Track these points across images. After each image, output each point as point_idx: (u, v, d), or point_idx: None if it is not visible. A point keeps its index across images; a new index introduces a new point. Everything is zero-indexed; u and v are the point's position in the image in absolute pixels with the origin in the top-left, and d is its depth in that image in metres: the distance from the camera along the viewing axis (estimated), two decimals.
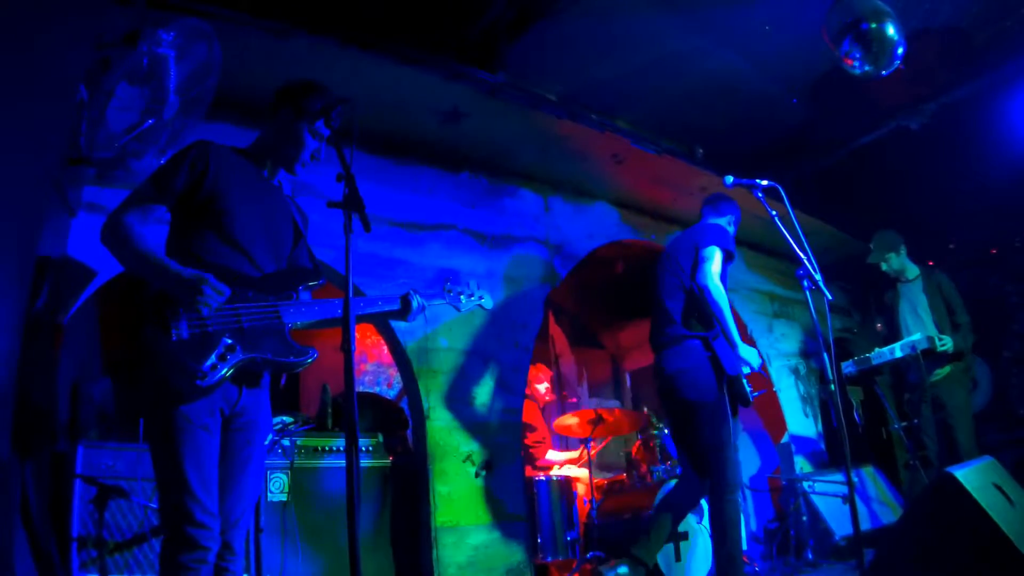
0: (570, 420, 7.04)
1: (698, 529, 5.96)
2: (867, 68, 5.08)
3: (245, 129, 5.06)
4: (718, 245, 4.77)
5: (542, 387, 7.78)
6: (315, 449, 5.18)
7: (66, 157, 4.04)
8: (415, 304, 3.29)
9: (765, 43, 5.51)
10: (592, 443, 6.84)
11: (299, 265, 3.29)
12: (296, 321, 2.99)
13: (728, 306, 4.64)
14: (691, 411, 4.74)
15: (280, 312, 2.95)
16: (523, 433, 6.82)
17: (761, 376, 4.90)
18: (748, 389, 4.67)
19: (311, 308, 3.03)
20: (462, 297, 3.64)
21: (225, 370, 2.72)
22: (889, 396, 7.79)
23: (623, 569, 4.67)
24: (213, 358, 2.70)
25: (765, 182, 4.45)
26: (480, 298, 3.72)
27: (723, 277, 4.79)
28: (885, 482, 7.79)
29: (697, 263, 4.77)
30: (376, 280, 5.74)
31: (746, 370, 4.72)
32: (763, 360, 4.85)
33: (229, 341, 2.77)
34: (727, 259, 4.85)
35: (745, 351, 4.67)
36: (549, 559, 6.15)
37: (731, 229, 5.21)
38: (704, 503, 6.23)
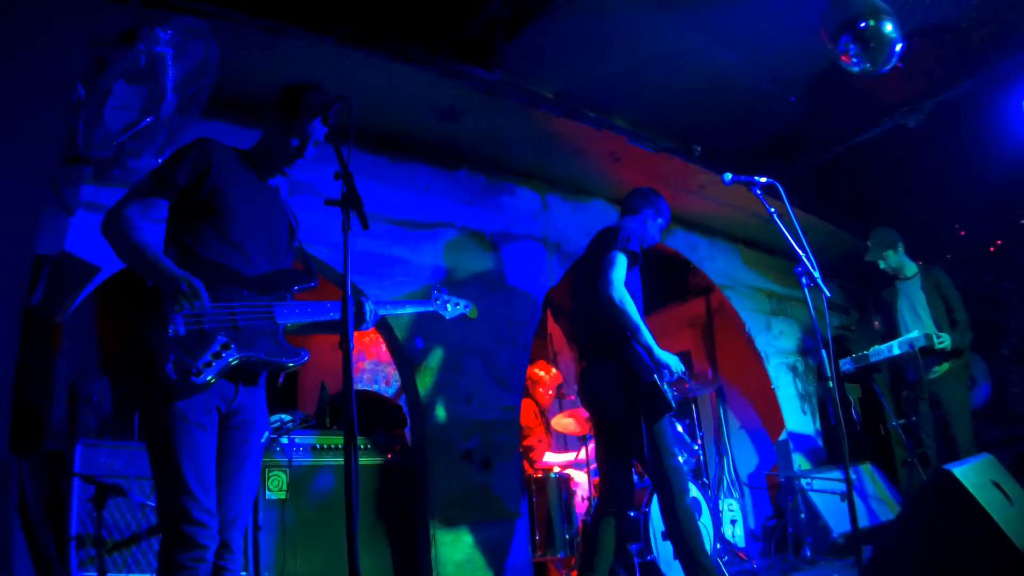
0: (568, 419, 7.04)
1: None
2: (865, 66, 5.07)
3: (242, 127, 5.07)
4: (620, 249, 4.62)
5: (546, 391, 7.75)
6: (313, 447, 5.19)
7: (63, 156, 4.03)
8: (368, 314, 3.29)
9: (763, 41, 5.52)
10: (591, 441, 6.83)
11: (293, 266, 3.30)
12: (289, 322, 3.00)
13: (636, 312, 4.53)
14: (616, 427, 4.65)
15: (274, 312, 2.97)
16: (522, 433, 6.81)
17: (683, 380, 4.79)
18: (671, 393, 4.48)
19: (304, 309, 3.05)
20: (448, 305, 3.77)
21: (219, 368, 2.73)
22: (887, 393, 7.80)
23: None
24: (208, 355, 2.71)
25: (764, 179, 4.44)
26: (467, 307, 3.85)
27: (631, 281, 4.67)
28: (883, 480, 7.80)
29: (601, 271, 4.61)
30: (374, 278, 5.74)
31: (670, 378, 4.59)
32: (683, 367, 4.71)
33: (224, 339, 2.78)
34: (632, 262, 4.70)
35: (663, 355, 4.52)
36: (548, 557, 6.15)
37: (649, 225, 5.05)
38: (703, 503, 6.27)
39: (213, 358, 2.72)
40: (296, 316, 3.02)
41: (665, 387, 4.47)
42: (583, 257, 5.02)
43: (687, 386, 4.76)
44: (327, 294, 3.22)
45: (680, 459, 4.55)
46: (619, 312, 4.49)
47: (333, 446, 5.25)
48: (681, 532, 4.34)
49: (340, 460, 5.21)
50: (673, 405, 4.46)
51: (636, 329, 4.49)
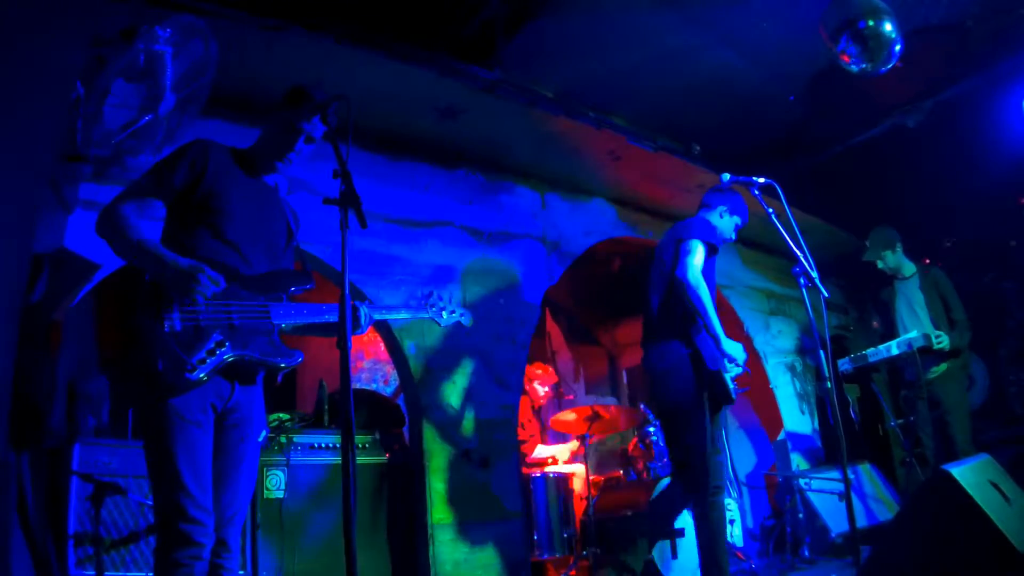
0: (567, 417, 7.04)
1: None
2: (864, 65, 5.08)
3: (241, 126, 5.06)
4: (699, 238, 4.67)
5: (541, 389, 7.74)
6: (312, 446, 5.19)
7: (62, 154, 4.03)
8: (363, 318, 3.29)
9: (762, 40, 5.51)
10: (588, 438, 6.83)
11: (290, 267, 3.30)
12: (285, 322, 3.00)
13: (710, 300, 4.55)
14: (672, 412, 4.70)
15: (270, 312, 2.97)
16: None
17: (747, 374, 4.81)
18: (733, 386, 4.57)
19: (300, 311, 3.05)
20: (444, 313, 3.75)
21: (214, 365, 2.73)
22: (885, 393, 7.80)
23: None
24: (203, 352, 2.72)
25: (762, 179, 4.44)
26: (462, 315, 3.84)
27: (707, 271, 4.69)
28: (881, 479, 7.80)
29: (677, 257, 4.66)
30: (373, 277, 5.74)
31: (734, 370, 4.64)
32: (746, 356, 4.73)
33: (219, 337, 2.78)
34: (710, 252, 4.74)
35: (729, 346, 4.56)
36: (546, 556, 6.15)
37: (723, 221, 5.06)
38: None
39: (207, 355, 2.72)
40: (292, 317, 3.02)
41: (729, 379, 4.53)
42: (655, 256, 5.02)
43: (748, 380, 4.77)
44: (326, 293, 3.22)
45: (723, 456, 4.59)
46: (693, 296, 4.50)
47: (331, 445, 5.25)
48: (709, 527, 4.39)
49: (338, 459, 5.21)
50: (733, 398, 4.53)
51: (707, 316, 4.50)
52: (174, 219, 3.01)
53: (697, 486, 4.44)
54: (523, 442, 7.17)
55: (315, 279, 3.22)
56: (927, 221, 8.29)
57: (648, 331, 4.88)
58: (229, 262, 2.94)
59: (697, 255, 4.60)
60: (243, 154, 3.23)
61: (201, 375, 2.69)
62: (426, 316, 3.70)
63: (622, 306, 9.92)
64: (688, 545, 5.68)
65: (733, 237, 5.18)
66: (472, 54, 5.26)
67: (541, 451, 7.40)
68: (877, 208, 8.04)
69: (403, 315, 3.67)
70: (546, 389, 7.81)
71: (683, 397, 4.54)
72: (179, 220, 2.99)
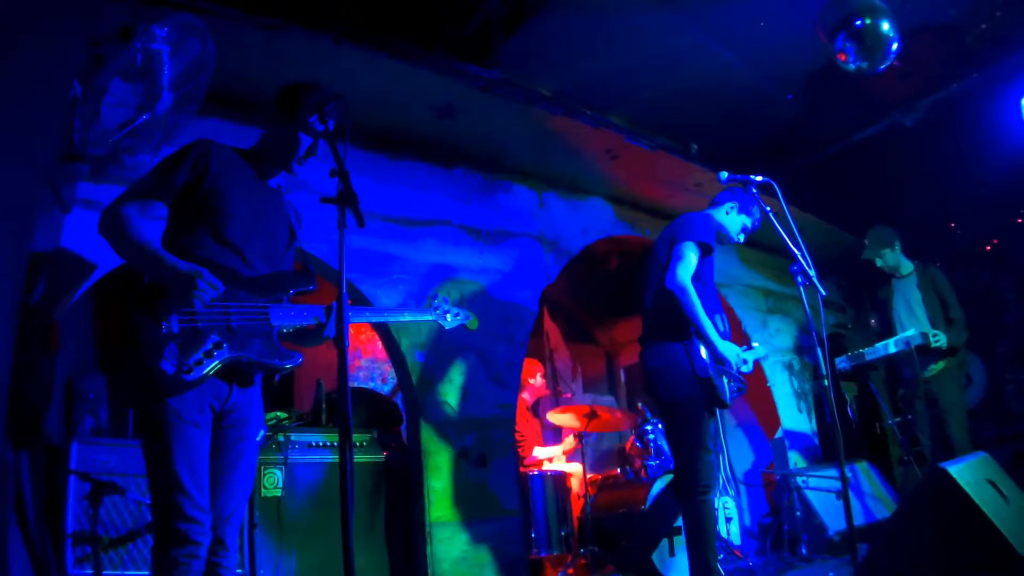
0: (564, 415, 7.04)
1: None
2: (861, 64, 5.08)
3: (239, 125, 5.06)
4: (692, 239, 4.57)
5: (535, 380, 7.71)
6: (309, 445, 5.19)
7: (60, 153, 4.03)
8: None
9: (759, 39, 5.51)
10: (586, 436, 6.83)
11: (293, 268, 3.30)
12: (284, 324, 2.99)
13: (700, 306, 4.46)
14: (666, 410, 4.68)
15: (269, 314, 2.96)
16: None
17: (742, 375, 4.77)
18: (726, 389, 4.47)
19: (299, 312, 3.04)
20: (448, 316, 3.74)
21: (210, 366, 2.73)
22: (883, 392, 7.81)
23: None
24: (199, 354, 2.71)
25: (759, 178, 4.44)
26: (467, 318, 3.83)
27: (704, 271, 4.64)
28: (879, 477, 7.81)
29: (669, 261, 4.59)
30: (370, 276, 5.74)
31: (745, 366, 4.61)
32: (743, 361, 4.69)
33: (217, 339, 2.78)
34: (705, 253, 4.65)
35: (724, 348, 4.49)
36: (544, 554, 6.15)
37: (729, 218, 4.97)
38: None
39: (204, 356, 2.72)
40: (291, 319, 3.01)
41: (724, 382, 4.47)
42: (655, 244, 4.94)
43: (745, 379, 4.73)
44: (324, 292, 3.22)
45: (714, 456, 4.55)
46: (681, 305, 4.44)
47: (329, 444, 5.25)
48: (698, 527, 4.37)
49: (336, 458, 5.21)
50: (727, 402, 4.45)
51: (698, 322, 4.43)
52: (175, 220, 3.01)
53: (687, 485, 4.42)
54: (521, 442, 7.17)
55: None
56: (925, 219, 8.30)
57: (645, 329, 4.87)
58: (229, 264, 2.94)
59: (688, 259, 4.53)
60: (246, 154, 3.23)
61: (197, 376, 2.69)
62: (430, 319, 3.69)
63: (620, 305, 9.92)
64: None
65: (739, 239, 5.06)
66: (470, 53, 5.26)
67: (539, 452, 7.40)
68: (875, 207, 8.05)
69: (406, 318, 3.67)
70: (540, 381, 7.76)
71: (676, 394, 4.51)
72: (180, 220, 2.99)
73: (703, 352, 4.46)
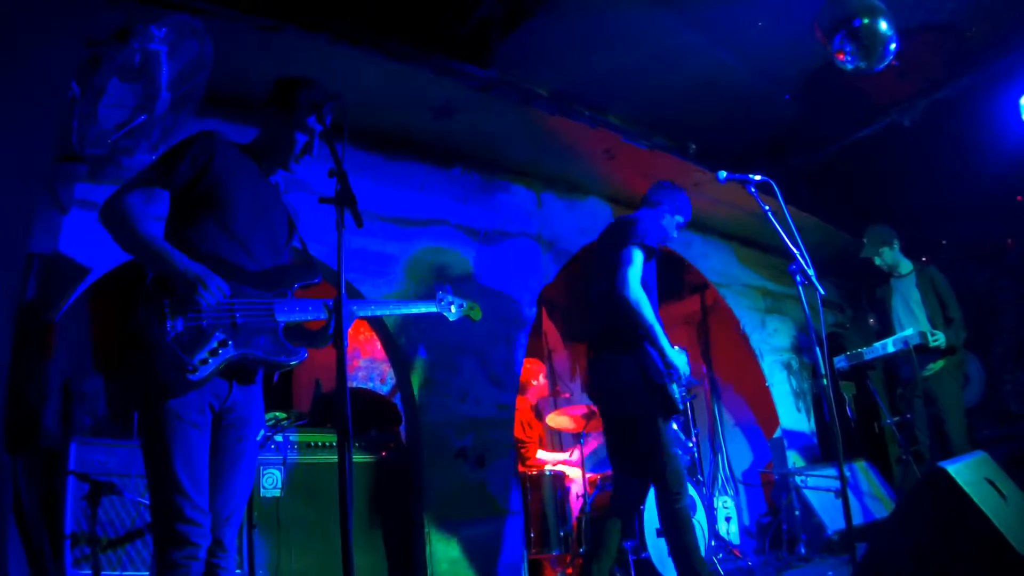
0: (563, 416, 7.04)
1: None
2: (859, 64, 5.07)
3: (236, 125, 5.05)
4: (638, 245, 4.57)
5: (538, 382, 7.71)
6: (308, 445, 5.18)
7: (58, 154, 4.03)
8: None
9: (757, 39, 5.51)
10: (586, 439, 6.83)
11: (294, 263, 3.29)
12: (289, 319, 2.97)
13: (652, 312, 4.48)
14: (624, 424, 4.65)
15: (274, 309, 2.94)
16: (515, 427, 6.81)
17: (692, 385, 4.76)
18: (680, 395, 4.48)
19: (304, 307, 3.02)
20: (453, 307, 3.77)
21: (215, 365, 2.71)
22: (881, 391, 7.81)
23: None
24: (204, 352, 2.69)
25: (758, 177, 4.44)
26: (471, 309, 3.89)
27: (647, 276, 4.63)
28: (877, 477, 7.82)
29: (616, 267, 4.56)
30: (369, 276, 5.74)
31: (681, 384, 4.55)
32: (690, 368, 4.69)
33: (222, 336, 2.75)
34: (648, 256, 4.64)
35: (675, 356, 4.50)
36: (543, 554, 6.16)
37: (667, 220, 4.99)
38: (698, 500, 6.28)
39: (210, 355, 2.70)
40: (296, 314, 2.99)
41: (675, 388, 4.46)
42: (598, 246, 4.96)
43: (695, 387, 4.73)
44: (324, 293, 3.21)
45: (680, 462, 4.52)
46: (634, 313, 4.44)
47: (328, 444, 5.25)
48: (677, 532, 4.35)
49: (335, 457, 5.20)
50: (680, 407, 4.45)
51: (651, 330, 4.45)
52: (179, 209, 2.98)
53: (661, 493, 4.41)
54: (524, 444, 7.16)
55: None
56: (923, 219, 8.31)
57: (596, 333, 4.85)
58: (233, 257, 2.93)
59: (637, 264, 4.53)
60: (247, 149, 3.22)
61: (202, 376, 2.67)
62: (434, 310, 3.69)
63: None
64: None
65: (676, 236, 5.13)
66: (468, 53, 5.25)
67: (543, 455, 7.39)
68: (873, 206, 8.06)
69: (411, 310, 3.65)
70: (542, 381, 7.76)
71: (635, 409, 4.49)
72: (184, 211, 2.95)
73: (655, 360, 4.45)
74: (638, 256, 4.56)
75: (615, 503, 4.68)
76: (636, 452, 4.59)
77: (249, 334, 2.85)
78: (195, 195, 2.93)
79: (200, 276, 2.69)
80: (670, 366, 4.48)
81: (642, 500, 4.75)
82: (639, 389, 4.46)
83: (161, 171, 2.92)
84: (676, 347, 4.66)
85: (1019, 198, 8.58)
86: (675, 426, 6.64)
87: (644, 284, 4.56)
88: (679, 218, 5.07)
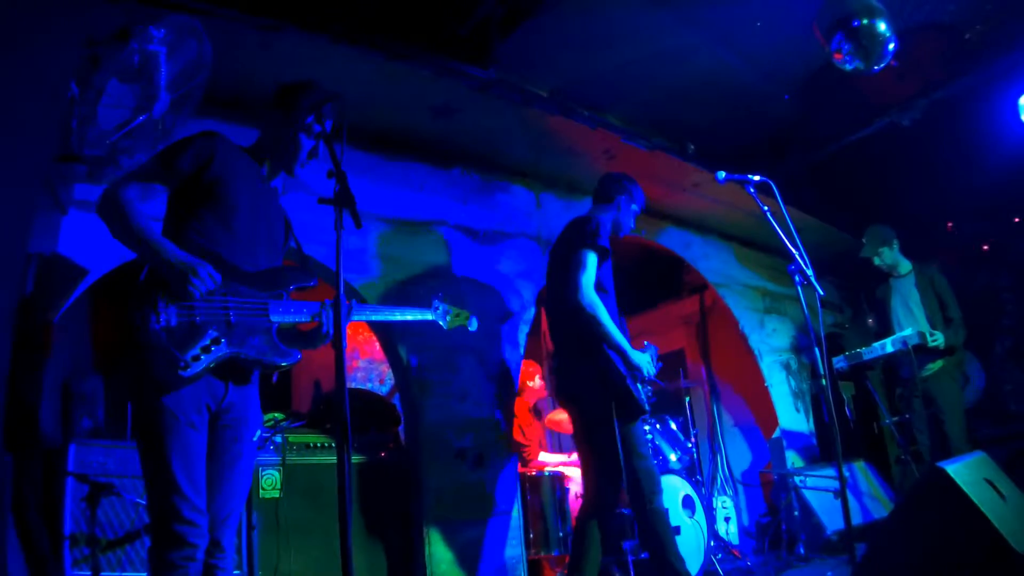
0: (562, 415, 7.04)
1: (690, 524, 5.97)
2: (858, 64, 5.08)
3: (235, 125, 5.05)
4: (591, 248, 4.52)
5: (534, 383, 7.71)
6: (307, 446, 5.18)
7: (57, 154, 4.03)
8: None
9: (757, 39, 5.51)
10: None
11: (291, 265, 3.29)
12: (283, 320, 2.97)
13: (608, 317, 4.43)
14: (590, 429, 4.58)
15: (269, 309, 2.94)
16: (514, 430, 6.81)
17: (656, 382, 4.74)
18: (644, 396, 4.46)
19: (299, 309, 3.02)
20: (448, 316, 3.80)
21: (207, 362, 2.71)
22: (880, 391, 7.82)
23: None
24: (196, 349, 2.68)
25: (757, 178, 4.43)
26: (468, 320, 3.92)
27: (604, 276, 4.59)
28: (876, 477, 7.82)
29: (569, 270, 4.51)
30: (367, 276, 5.73)
31: (645, 384, 4.55)
32: (655, 367, 4.67)
33: (215, 333, 2.75)
34: (603, 257, 4.59)
35: (637, 357, 4.47)
36: (542, 554, 6.15)
37: (623, 212, 4.97)
38: (697, 500, 6.28)
39: (202, 352, 2.69)
40: (291, 315, 2.99)
41: (639, 389, 4.44)
42: (554, 248, 4.92)
43: (661, 385, 4.69)
44: (323, 293, 3.21)
45: (651, 462, 4.47)
46: (589, 318, 4.41)
47: (327, 444, 5.25)
48: (652, 534, 4.31)
49: (334, 458, 5.20)
50: (646, 408, 4.43)
51: (607, 334, 4.41)
52: (178, 205, 2.98)
53: (634, 498, 4.37)
54: (526, 447, 7.16)
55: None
56: (922, 219, 8.31)
57: (559, 338, 4.81)
58: (231, 256, 2.93)
59: (590, 268, 4.48)
60: (248, 151, 3.23)
61: (194, 372, 2.66)
62: (429, 318, 3.70)
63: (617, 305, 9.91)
64: (683, 542, 5.70)
65: (633, 226, 5.09)
66: (467, 53, 5.25)
67: (545, 457, 7.38)
68: (872, 206, 8.07)
69: (405, 317, 3.62)
70: (539, 383, 7.76)
71: (603, 413, 4.41)
72: (183, 206, 2.95)
73: (615, 363, 4.41)
74: (591, 259, 4.51)
75: (591, 506, 4.65)
76: (601, 455, 4.54)
77: (243, 333, 2.85)
78: (196, 190, 2.93)
79: (191, 264, 2.68)
80: (633, 367, 4.45)
81: (616, 502, 4.72)
82: (598, 394, 4.42)
83: (161, 165, 2.92)
84: (645, 343, 4.65)
85: (1017, 220, 8.62)
86: (674, 425, 6.66)
87: (599, 286, 4.53)
88: (634, 207, 5.03)
